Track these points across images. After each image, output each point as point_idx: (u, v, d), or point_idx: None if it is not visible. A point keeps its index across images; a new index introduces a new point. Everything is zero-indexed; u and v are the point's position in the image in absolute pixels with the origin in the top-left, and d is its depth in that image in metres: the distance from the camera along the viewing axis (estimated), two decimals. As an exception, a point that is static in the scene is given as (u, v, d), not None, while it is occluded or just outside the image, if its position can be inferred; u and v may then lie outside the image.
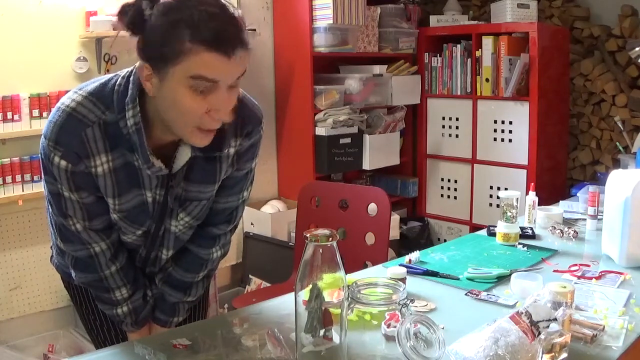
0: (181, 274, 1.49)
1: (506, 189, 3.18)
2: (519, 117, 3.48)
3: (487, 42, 3.52)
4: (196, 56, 1.11)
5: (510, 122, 3.54)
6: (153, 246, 1.45)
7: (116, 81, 1.26)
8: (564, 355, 1.14)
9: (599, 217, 2.04)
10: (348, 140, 3.49)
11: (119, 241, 1.42)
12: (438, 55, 3.86)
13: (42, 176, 1.31)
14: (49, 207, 1.36)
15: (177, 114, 1.18)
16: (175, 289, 1.50)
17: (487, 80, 3.57)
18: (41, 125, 2.68)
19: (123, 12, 1.15)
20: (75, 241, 1.36)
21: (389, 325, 1.27)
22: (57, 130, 1.22)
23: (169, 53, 1.12)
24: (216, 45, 1.11)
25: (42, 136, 1.26)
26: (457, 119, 3.82)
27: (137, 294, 1.46)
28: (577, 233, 2.02)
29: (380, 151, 3.68)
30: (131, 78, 1.23)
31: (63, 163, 1.23)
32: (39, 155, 1.29)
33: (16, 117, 2.63)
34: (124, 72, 1.27)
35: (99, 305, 1.47)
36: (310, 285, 1.06)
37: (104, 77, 1.28)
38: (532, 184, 2.22)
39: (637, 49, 3.15)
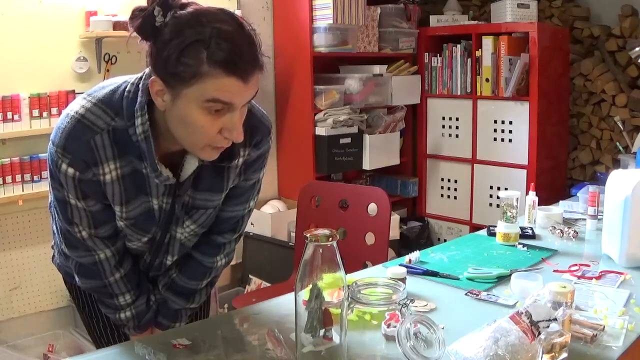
0: (185, 281, 1.49)
1: (506, 189, 3.18)
2: (519, 117, 3.48)
3: (487, 42, 3.52)
4: (213, 79, 1.09)
5: (510, 122, 3.54)
6: (158, 253, 1.45)
7: (125, 87, 1.23)
8: (564, 355, 1.14)
9: (599, 217, 2.04)
10: (348, 140, 3.49)
11: (124, 248, 1.41)
12: (438, 55, 3.86)
13: (49, 181, 1.30)
14: (55, 212, 1.35)
15: (189, 132, 1.17)
16: (179, 295, 1.49)
17: (487, 80, 3.57)
18: (41, 125, 2.68)
19: (133, 16, 1.13)
20: (80, 248, 1.35)
21: (389, 325, 1.27)
22: (65, 136, 1.20)
23: (184, 74, 1.10)
24: (234, 70, 1.09)
25: (50, 142, 1.24)
26: (457, 119, 3.82)
27: (141, 299, 1.46)
28: (577, 233, 2.02)
29: (380, 151, 3.68)
30: (140, 85, 1.21)
31: (70, 170, 1.22)
32: (47, 161, 1.27)
33: (16, 117, 2.63)
34: (133, 78, 1.25)
35: (102, 308, 1.46)
36: (310, 285, 1.06)
37: (114, 83, 1.26)
38: (532, 184, 2.22)
39: (637, 49, 3.15)
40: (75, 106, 1.23)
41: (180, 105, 1.14)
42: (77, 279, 1.42)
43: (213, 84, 1.10)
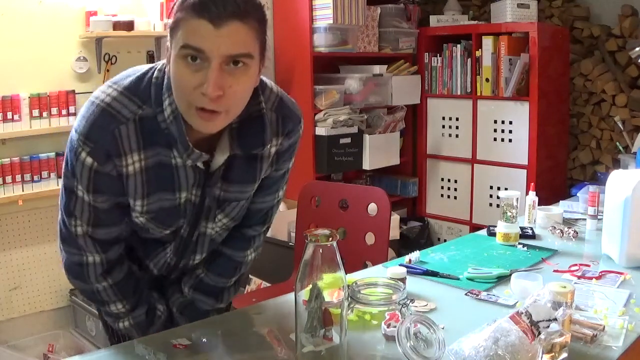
0: (214, 279, 1.44)
1: (506, 189, 3.18)
2: (519, 117, 3.48)
3: (487, 42, 3.52)
4: (186, 23, 1.09)
5: (510, 122, 3.54)
6: (184, 252, 1.40)
7: (153, 74, 1.22)
8: (564, 355, 1.14)
9: (599, 217, 2.04)
10: (348, 140, 3.49)
11: (116, 259, 1.34)
12: (438, 55, 3.86)
13: (63, 168, 1.25)
14: (59, 201, 1.30)
15: (176, 90, 1.15)
16: (207, 295, 1.45)
17: (487, 80, 3.57)
18: (41, 125, 2.68)
19: None
20: (71, 243, 1.29)
21: (389, 325, 1.27)
22: (89, 125, 1.17)
23: (172, 25, 1.12)
24: (202, 12, 1.07)
25: (73, 129, 1.20)
26: (457, 119, 3.82)
27: (139, 310, 1.39)
28: (577, 233, 2.02)
29: (380, 151, 3.68)
30: (166, 68, 1.19)
31: (89, 160, 1.18)
32: (66, 148, 1.24)
33: (16, 117, 2.63)
34: (159, 64, 1.23)
35: (104, 316, 1.41)
36: (310, 285, 1.06)
37: (139, 71, 1.24)
38: (532, 184, 2.22)
39: (637, 49, 3.15)
40: (101, 94, 1.20)
41: (171, 60, 1.14)
42: (66, 276, 1.36)
43: (185, 28, 1.10)
